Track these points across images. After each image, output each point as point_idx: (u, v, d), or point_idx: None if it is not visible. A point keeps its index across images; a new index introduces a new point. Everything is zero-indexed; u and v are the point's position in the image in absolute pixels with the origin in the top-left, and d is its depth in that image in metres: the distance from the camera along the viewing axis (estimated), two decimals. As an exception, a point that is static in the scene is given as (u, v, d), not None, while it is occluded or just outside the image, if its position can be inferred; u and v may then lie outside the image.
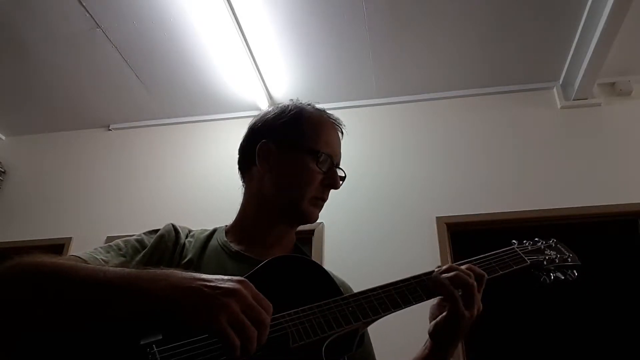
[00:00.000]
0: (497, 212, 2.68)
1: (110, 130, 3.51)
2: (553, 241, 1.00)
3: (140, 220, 2.87)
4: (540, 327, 3.00)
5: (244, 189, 0.99)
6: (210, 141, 3.31)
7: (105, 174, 3.33)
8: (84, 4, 2.51)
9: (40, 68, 2.97)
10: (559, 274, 0.92)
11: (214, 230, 0.97)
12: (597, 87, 2.99)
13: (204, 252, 0.90)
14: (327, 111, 1.00)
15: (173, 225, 0.93)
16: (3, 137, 3.65)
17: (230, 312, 0.58)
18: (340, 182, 0.96)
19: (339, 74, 3.03)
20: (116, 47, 2.80)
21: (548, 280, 0.91)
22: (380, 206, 2.84)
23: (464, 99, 3.14)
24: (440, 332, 0.80)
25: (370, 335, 0.95)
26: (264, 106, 3.13)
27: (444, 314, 0.78)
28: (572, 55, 2.82)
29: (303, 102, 1.00)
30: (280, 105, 0.99)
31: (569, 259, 0.96)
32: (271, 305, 0.63)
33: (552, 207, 2.64)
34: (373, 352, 0.95)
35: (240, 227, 0.97)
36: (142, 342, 0.58)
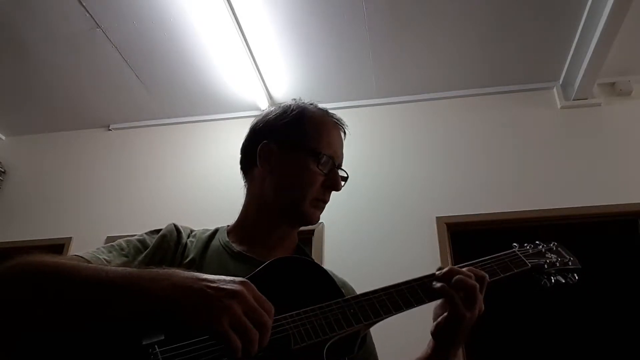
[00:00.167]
0: (497, 212, 2.68)
1: (110, 130, 3.51)
2: (554, 244, 1.00)
3: (140, 220, 2.87)
4: (541, 327, 3.00)
5: (246, 189, 0.99)
6: (210, 141, 3.31)
7: (105, 174, 3.32)
8: (84, 4, 2.50)
9: (40, 68, 2.97)
10: (559, 278, 0.92)
11: (216, 230, 0.97)
12: (597, 87, 2.99)
13: (206, 252, 0.89)
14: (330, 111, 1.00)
15: (175, 225, 0.93)
16: (3, 137, 3.64)
17: (232, 314, 0.58)
18: (342, 182, 0.95)
19: (339, 74, 3.02)
20: (116, 47, 2.79)
21: (549, 284, 0.91)
22: (380, 206, 2.84)
23: (464, 99, 3.14)
24: (442, 332, 0.80)
25: (372, 335, 0.95)
26: (264, 106, 3.13)
27: (445, 314, 0.79)
28: (572, 55, 2.82)
29: (306, 101, 0.99)
30: (282, 104, 0.98)
31: (570, 263, 0.96)
32: (273, 307, 0.63)
33: (552, 207, 2.64)
34: (375, 353, 0.95)
35: (242, 227, 0.97)
36: (144, 343, 0.58)
